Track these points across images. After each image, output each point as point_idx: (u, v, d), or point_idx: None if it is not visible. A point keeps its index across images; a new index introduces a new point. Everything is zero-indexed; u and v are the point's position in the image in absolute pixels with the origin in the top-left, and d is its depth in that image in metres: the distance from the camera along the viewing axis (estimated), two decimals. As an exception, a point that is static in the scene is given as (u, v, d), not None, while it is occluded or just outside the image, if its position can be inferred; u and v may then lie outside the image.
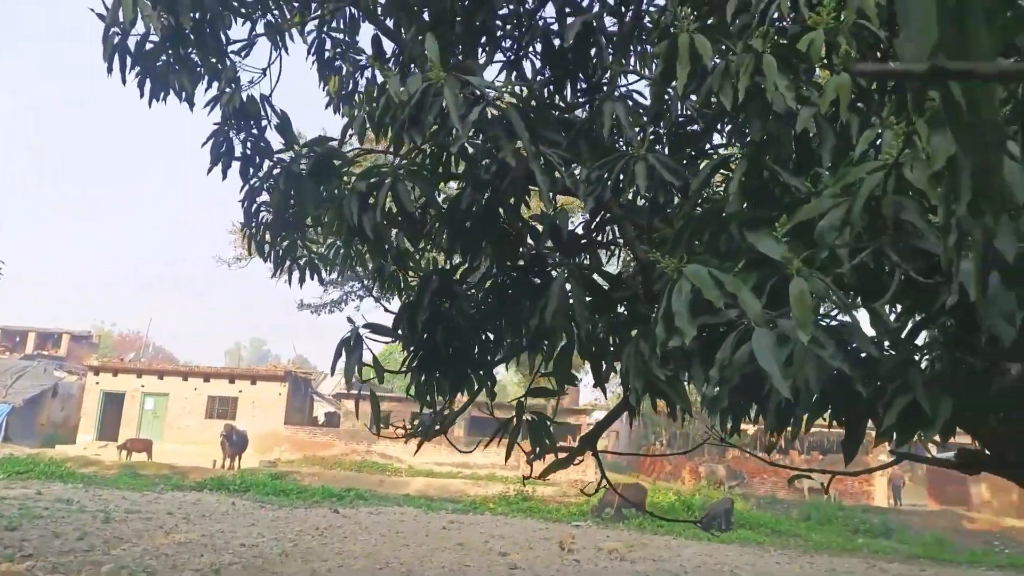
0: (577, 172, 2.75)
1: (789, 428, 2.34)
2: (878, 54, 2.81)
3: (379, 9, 3.48)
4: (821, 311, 2.29)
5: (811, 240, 2.09)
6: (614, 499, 17.19)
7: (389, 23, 3.42)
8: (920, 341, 2.45)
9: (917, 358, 2.43)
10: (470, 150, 2.69)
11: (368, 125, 2.89)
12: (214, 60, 3.42)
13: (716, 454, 25.19)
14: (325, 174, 3.34)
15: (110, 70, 3.35)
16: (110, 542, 11.59)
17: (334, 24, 3.99)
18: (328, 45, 4.08)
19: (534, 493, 20.37)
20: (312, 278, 4.35)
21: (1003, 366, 2.26)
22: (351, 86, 4.36)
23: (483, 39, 2.95)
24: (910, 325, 2.31)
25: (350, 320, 3.64)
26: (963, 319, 2.13)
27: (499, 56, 3.50)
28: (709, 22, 3.02)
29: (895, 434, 2.31)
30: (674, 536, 16.55)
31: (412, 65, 2.86)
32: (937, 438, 2.30)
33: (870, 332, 2.33)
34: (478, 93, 2.40)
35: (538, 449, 3.62)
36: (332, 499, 19.89)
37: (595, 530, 16.94)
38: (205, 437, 27.00)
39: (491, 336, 3.52)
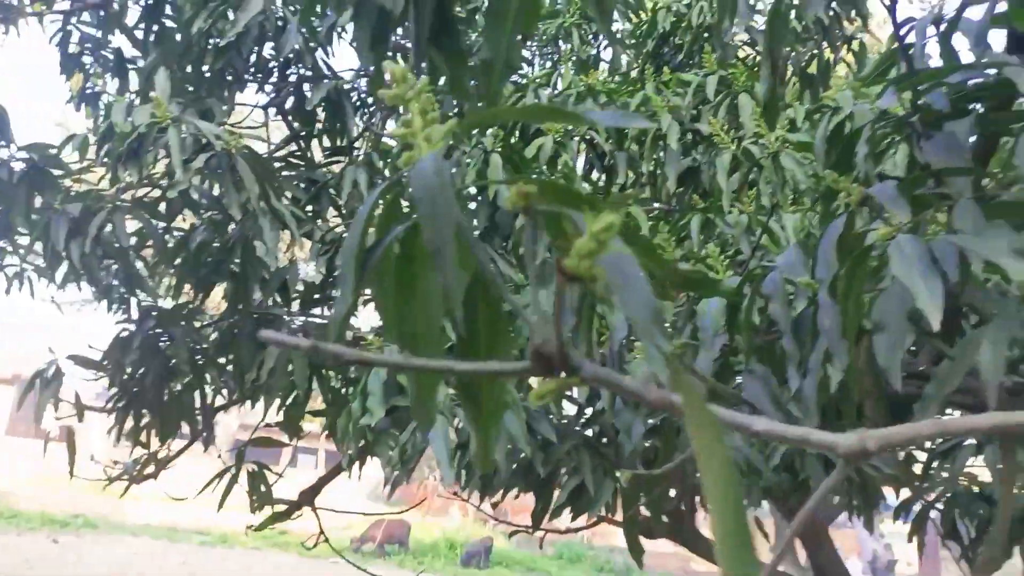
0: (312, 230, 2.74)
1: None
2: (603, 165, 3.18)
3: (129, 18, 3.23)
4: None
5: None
6: (376, 534, 16.90)
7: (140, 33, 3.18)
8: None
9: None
10: (195, 195, 2.57)
11: (90, 144, 2.64)
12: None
13: (485, 490, 25.84)
14: (39, 184, 2.99)
15: None
16: None
17: (84, 17, 3.61)
18: (75, 39, 3.68)
19: (292, 526, 19.34)
20: (20, 289, 3.83)
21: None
22: (102, 84, 3.96)
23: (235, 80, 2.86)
24: (590, 413, 2.60)
25: (51, 350, 3.27)
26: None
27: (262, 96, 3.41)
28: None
29: (569, 509, 2.57)
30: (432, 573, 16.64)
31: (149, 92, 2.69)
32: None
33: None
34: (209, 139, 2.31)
35: (256, 499, 3.49)
36: (53, 525, 17.24)
37: (351, 568, 16.49)
38: None
39: (218, 381, 3.34)
